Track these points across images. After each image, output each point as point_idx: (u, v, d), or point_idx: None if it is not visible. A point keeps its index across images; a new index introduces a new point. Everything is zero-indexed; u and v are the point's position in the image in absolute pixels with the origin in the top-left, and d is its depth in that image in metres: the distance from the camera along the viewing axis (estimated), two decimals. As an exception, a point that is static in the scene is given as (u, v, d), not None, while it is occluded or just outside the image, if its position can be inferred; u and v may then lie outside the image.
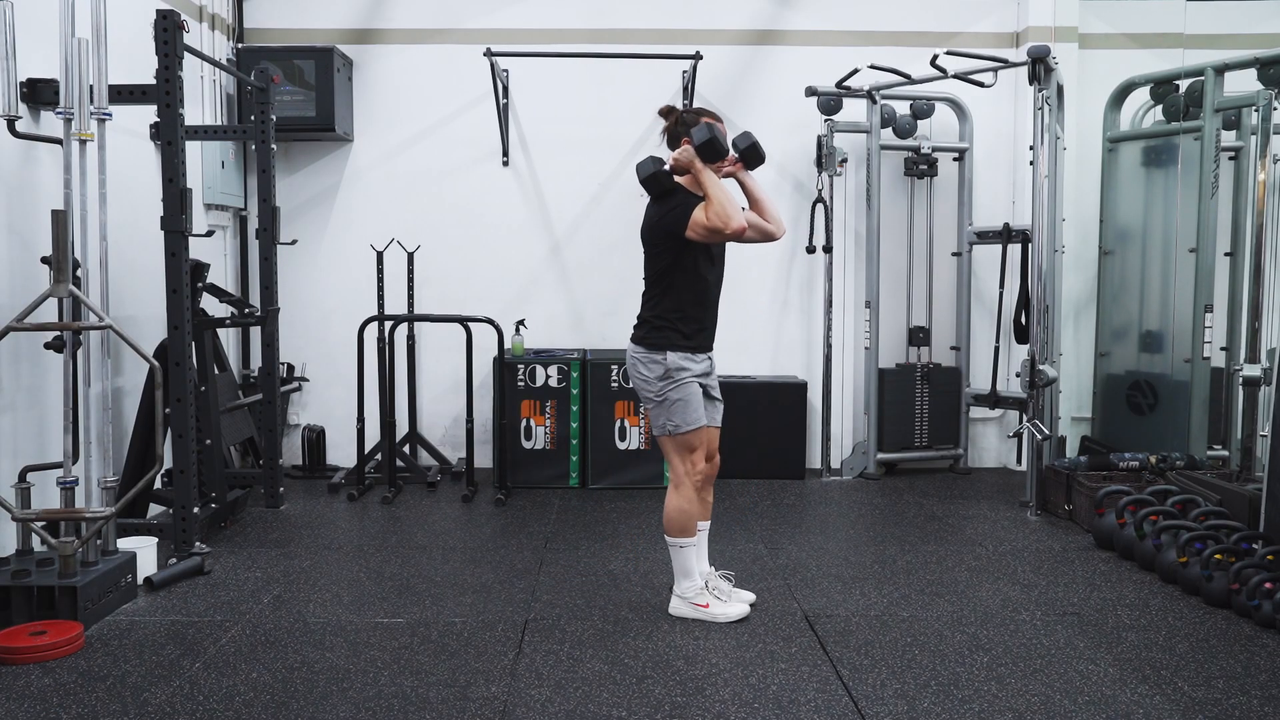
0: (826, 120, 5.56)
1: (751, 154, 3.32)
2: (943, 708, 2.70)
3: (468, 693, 2.78)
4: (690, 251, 3.24)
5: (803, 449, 5.66)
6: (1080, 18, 5.78)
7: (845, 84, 5.48)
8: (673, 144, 3.36)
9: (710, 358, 3.40)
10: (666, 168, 3.30)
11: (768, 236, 3.39)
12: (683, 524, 3.32)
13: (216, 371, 4.67)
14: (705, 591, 3.39)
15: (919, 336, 5.89)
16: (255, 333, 5.63)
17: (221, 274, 5.47)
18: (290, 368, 5.80)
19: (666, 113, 3.41)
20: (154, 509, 4.48)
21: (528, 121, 5.86)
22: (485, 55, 5.37)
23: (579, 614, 3.42)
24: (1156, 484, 4.50)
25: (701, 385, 3.34)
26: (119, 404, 4.30)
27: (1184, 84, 5.18)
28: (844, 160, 5.62)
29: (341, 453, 5.78)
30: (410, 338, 5.78)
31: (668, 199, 3.27)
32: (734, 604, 3.39)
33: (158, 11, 3.79)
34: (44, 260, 3.64)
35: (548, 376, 5.38)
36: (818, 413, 5.79)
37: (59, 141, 3.64)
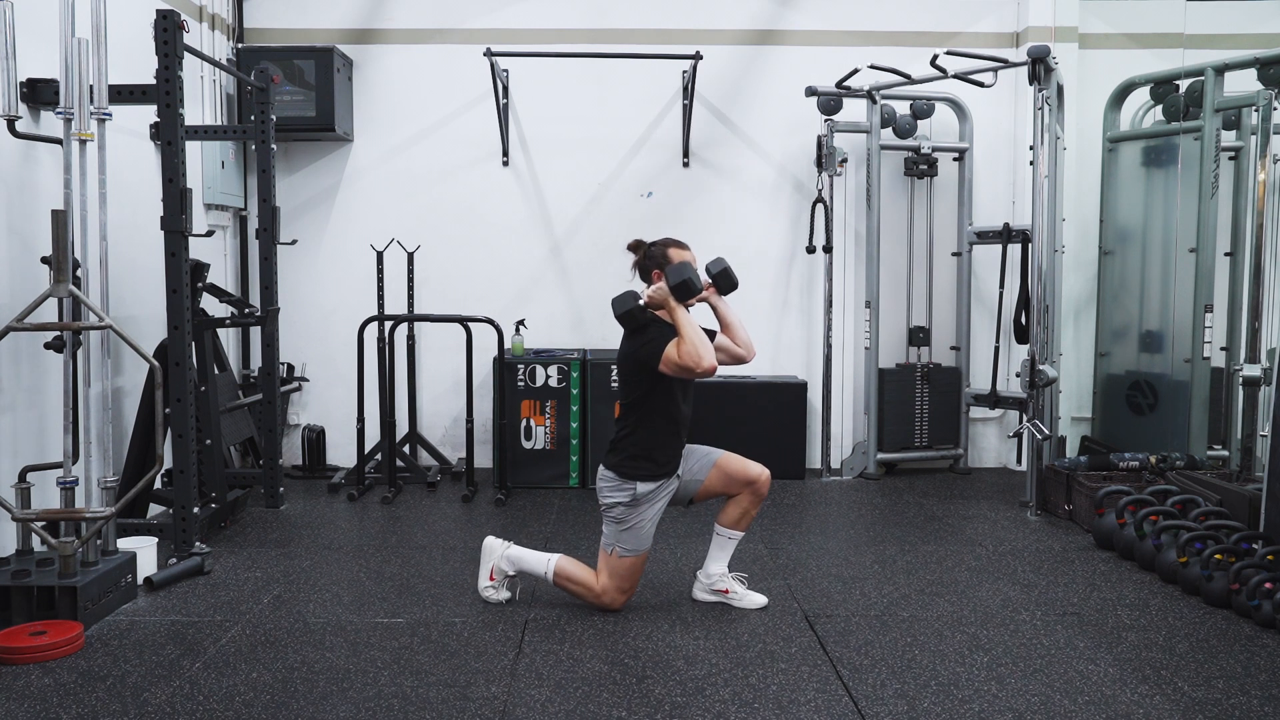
0: (826, 120, 5.56)
1: (723, 280, 3.43)
2: (943, 708, 2.70)
3: (468, 693, 2.78)
4: (664, 383, 3.32)
5: (803, 449, 5.67)
6: (1080, 18, 5.78)
7: (845, 84, 5.48)
8: (644, 275, 3.43)
9: (683, 454, 3.48)
10: (642, 303, 3.36)
11: (738, 360, 3.50)
12: (564, 585, 3.43)
13: (216, 371, 4.66)
14: (505, 581, 3.51)
15: (919, 336, 5.89)
16: (255, 333, 5.63)
17: (221, 274, 5.47)
18: (290, 368, 5.80)
19: (635, 247, 3.48)
20: (154, 509, 4.48)
21: (528, 121, 5.86)
22: (485, 55, 5.37)
23: (579, 614, 3.42)
24: (1156, 484, 4.50)
25: (681, 481, 3.46)
26: (119, 404, 4.30)
27: (1184, 84, 5.18)
28: (844, 160, 5.62)
29: (341, 453, 5.78)
30: (410, 338, 5.78)
31: (643, 333, 3.33)
32: (502, 592, 3.51)
33: (158, 11, 3.79)
34: (44, 260, 3.64)
35: (548, 376, 5.38)
36: (818, 413, 5.79)
37: (59, 141, 3.64)
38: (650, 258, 3.40)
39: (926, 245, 5.93)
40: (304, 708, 2.68)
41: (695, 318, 3.33)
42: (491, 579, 3.53)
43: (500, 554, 3.52)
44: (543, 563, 3.46)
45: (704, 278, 3.44)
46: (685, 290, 3.28)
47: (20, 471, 3.43)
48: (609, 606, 3.43)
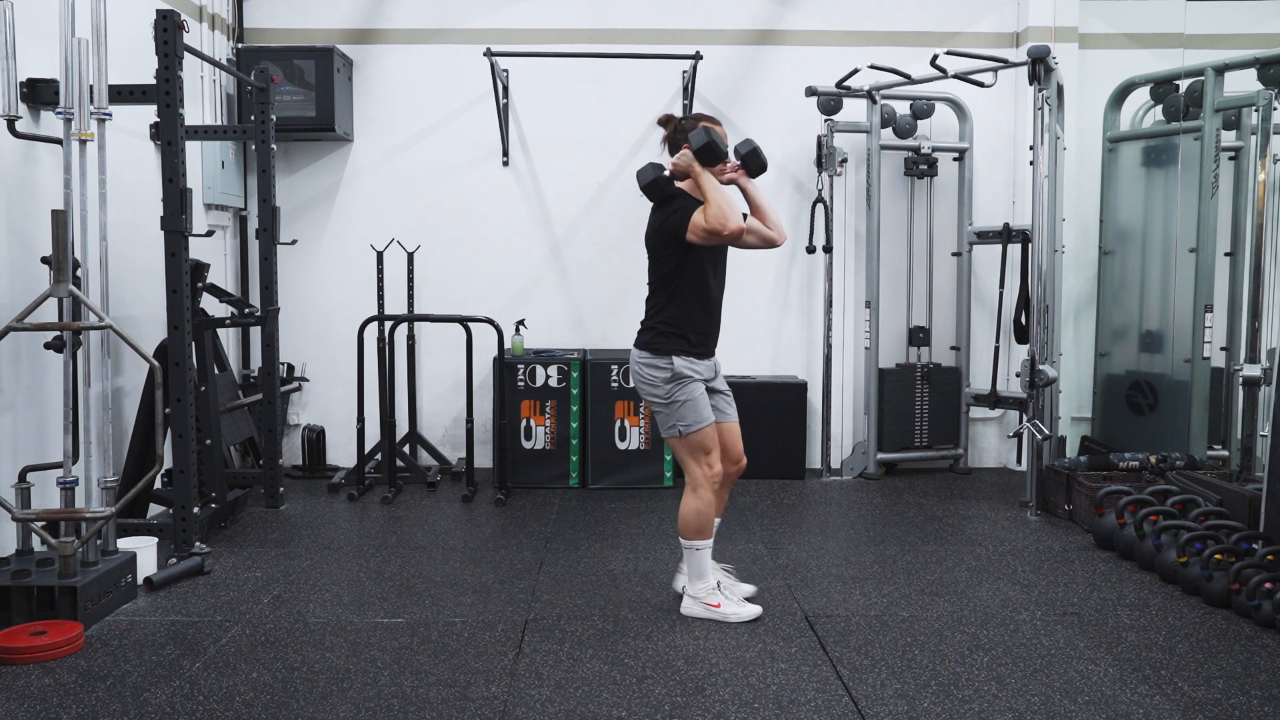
0: (826, 120, 5.56)
1: (753, 160, 3.34)
2: (943, 708, 2.70)
3: (468, 693, 2.78)
4: (693, 256, 3.26)
5: (803, 449, 5.66)
6: (1080, 18, 5.78)
7: (845, 84, 5.48)
8: (674, 152, 3.39)
9: (715, 362, 3.43)
10: (667, 173, 3.32)
11: (769, 243, 3.42)
12: (699, 526, 3.32)
13: (216, 371, 4.66)
14: (717, 591, 3.38)
15: (919, 336, 5.89)
16: (255, 333, 5.63)
17: (221, 274, 5.47)
18: (290, 368, 5.80)
19: (665, 121, 3.45)
20: (154, 509, 4.48)
21: (528, 121, 5.86)
22: (485, 55, 5.37)
23: (579, 614, 3.42)
24: (1156, 484, 4.50)
25: (708, 387, 3.37)
26: (119, 404, 4.30)
27: (1184, 84, 5.18)
28: (844, 160, 5.62)
29: (341, 453, 5.78)
30: (410, 338, 5.78)
31: (669, 204, 3.28)
32: (747, 605, 3.38)
33: (158, 11, 3.79)
34: (44, 260, 3.64)
35: (548, 376, 5.38)
36: (818, 413, 5.79)
37: (59, 141, 3.64)
38: (680, 131, 3.36)
39: (926, 245, 5.93)
40: (304, 708, 2.68)
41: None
42: (718, 606, 3.34)
43: (694, 598, 3.37)
44: (686, 551, 3.35)
45: (733, 160, 3.36)
46: (708, 153, 3.19)
47: (20, 471, 3.43)
48: (716, 478, 3.32)
